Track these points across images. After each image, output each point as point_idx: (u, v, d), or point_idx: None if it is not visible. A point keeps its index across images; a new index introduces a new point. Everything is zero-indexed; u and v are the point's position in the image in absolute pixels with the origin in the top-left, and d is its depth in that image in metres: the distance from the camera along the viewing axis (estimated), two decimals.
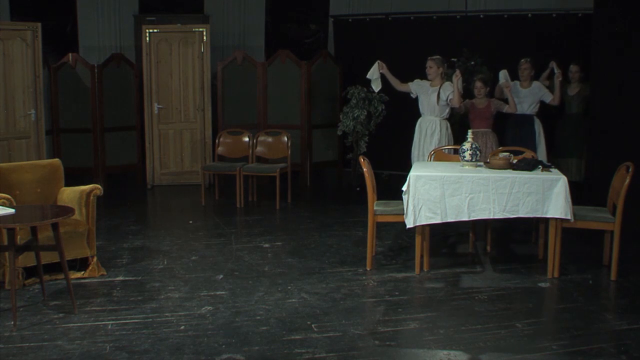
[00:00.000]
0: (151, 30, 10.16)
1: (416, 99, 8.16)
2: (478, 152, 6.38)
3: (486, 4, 11.12)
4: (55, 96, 10.05)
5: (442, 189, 5.98)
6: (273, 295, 5.61)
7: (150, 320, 5.06)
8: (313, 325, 4.98)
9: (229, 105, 10.54)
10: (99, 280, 6.00)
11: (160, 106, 10.19)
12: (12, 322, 4.92)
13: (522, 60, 8.47)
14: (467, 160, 6.36)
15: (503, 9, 10.56)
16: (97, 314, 5.17)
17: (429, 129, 7.96)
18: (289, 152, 9.42)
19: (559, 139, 8.96)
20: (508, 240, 7.26)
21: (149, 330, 4.87)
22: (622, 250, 5.96)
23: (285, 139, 9.50)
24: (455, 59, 9.42)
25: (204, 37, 10.17)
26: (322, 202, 9.41)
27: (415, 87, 8.11)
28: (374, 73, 8.11)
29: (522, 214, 5.96)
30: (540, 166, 6.24)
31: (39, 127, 8.92)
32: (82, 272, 6.04)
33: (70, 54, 10.25)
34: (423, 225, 6.10)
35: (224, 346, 4.60)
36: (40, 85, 8.92)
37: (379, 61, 8.11)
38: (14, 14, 11.01)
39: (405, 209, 6.08)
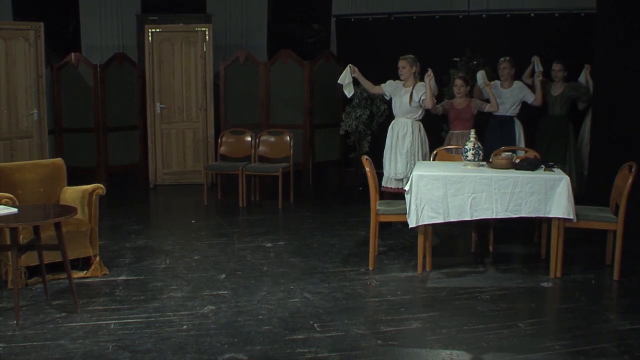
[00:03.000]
0: (154, 30, 10.17)
1: (390, 101, 7.95)
2: (481, 152, 6.37)
3: (488, 4, 11.11)
4: (58, 96, 10.05)
5: (445, 188, 5.98)
6: (276, 295, 5.62)
7: (153, 320, 5.06)
8: (316, 325, 4.98)
9: (232, 105, 10.54)
10: (102, 279, 6.01)
11: (162, 106, 10.20)
12: (15, 322, 4.92)
13: (502, 60, 8.30)
14: (469, 160, 6.35)
15: (505, 8, 10.54)
16: (99, 314, 5.18)
17: (401, 132, 7.64)
18: (292, 152, 9.42)
19: (540, 143, 8.52)
20: (511, 240, 7.25)
21: (151, 329, 4.87)
22: (624, 250, 5.96)
23: (288, 138, 9.50)
24: (457, 59, 9.42)
25: (207, 37, 10.18)
26: (325, 202, 9.41)
27: (389, 89, 7.82)
28: (346, 78, 7.79)
29: (524, 214, 5.96)
30: (543, 166, 6.23)
31: (42, 126, 8.93)
32: (85, 272, 6.05)
33: (73, 54, 10.25)
34: (426, 225, 6.10)
35: (226, 346, 4.60)
36: (43, 85, 8.93)
37: (350, 65, 7.84)
38: (16, 13, 11.02)
39: (408, 209, 6.08)
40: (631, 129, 7.53)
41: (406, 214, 6.11)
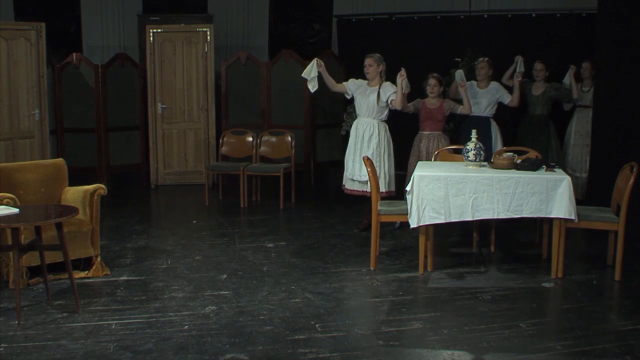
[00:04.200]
0: (155, 30, 10.16)
1: (352, 100, 7.74)
2: (482, 152, 6.36)
3: (490, 4, 11.11)
4: (59, 96, 10.05)
5: (446, 188, 5.97)
6: (277, 295, 5.62)
7: (154, 319, 5.07)
8: (317, 325, 4.98)
9: (233, 105, 10.55)
10: (103, 279, 6.01)
11: (164, 106, 10.20)
12: (17, 322, 4.93)
13: (480, 59, 8.22)
14: (470, 160, 6.34)
15: (507, 8, 10.53)
16: (100, 314, 5.18)
17: (367, 132, 7.38)
18: (293, 152, 9.42)
19: (521, 144, 8.24)
20: (512, 240, 7.25)
21: (152, 329, 4.88)
22: (626, 250, 5.96)
23: (289, 138, 9.50)
24: (458, 59, 9.41)
25: (208, 37, 10.18)
26: (326, 202, 9.40)
27: (352, 87, 7.57)
28: (311, 72, 7.48)
29: (526, 214, 5.95)
30: (544, 166, 6.23)
31: (43, 126, 8.93)
32: (86, 272, 6.05)
33: (74, 54, 10.24)
34: (427, 225, 6.10)
35: (227, 346, 4.60)
36: (44, 85, 8.93)
37: (317, 59, 7.57)
38: (18, 14, 11.01)
39: (409, 209, 6.07)
40: (632, 128, 7.53)
41: (407, 214, 6.11)
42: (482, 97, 8.08)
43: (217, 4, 12.19)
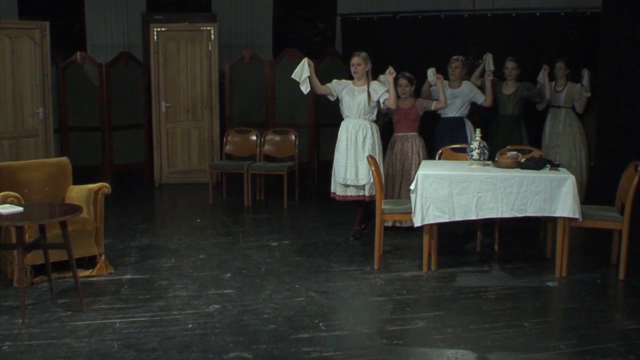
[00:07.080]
0: (159, 29, 10.18)
1: (336, 102, 7.44)
2: (486, 151, 6.34)
3: (494, 3, 11.10)
4: (63, 94, 10.07)
5: (450, 187, 5.97)
6: (281, 293, 5.62)
7: (158, 318, 5.07)
8: (320, 324, 4.98)
9: (237, 104, 10.55)
10: (107, 278, 6.02)
11: (168, 105, 10.21)
12: (21, 320, 4.94)
13: (453, 58, 8.00)
14: (475, 159, 6.33)
15: (511, 7, 10.52)
16: (105, 312, 5.19)
17: (360, 134, 7.10)
18: (297, 151, 9.42)
19: (491, 144, 7.63)
20: (516, 239, 7.23)
21: (156, 328, 4.88)
22: (630, 249, 5.94)
23: (293, 137, 9.51)
24: (463, 58, 9.38)
25: (212, 36, 10.19)
26: (330, 201, 9.38)
27: (337, 88, 7.27)
28: (303, 73, 7.11)
29: (530, 213, 5.94)
30: (548, 165, 6.22)
31: (47, 125, 8.95)
32: (90, 270, 6.06)
33: (78, 53, 10.27)
34: (431, 224, 6.09)
35: (231, 344, 4.61)
36: (49, 84, 8.95)
37: (306, 59, 7.21)
38: (21, 12, 11.03)
39: (413, 208, 6.07)
40: (636, 127, 7.52)
41: (411, 213, 6.11)
42: (455, 98, 7.90)
43: (221, 3, 12.20)
